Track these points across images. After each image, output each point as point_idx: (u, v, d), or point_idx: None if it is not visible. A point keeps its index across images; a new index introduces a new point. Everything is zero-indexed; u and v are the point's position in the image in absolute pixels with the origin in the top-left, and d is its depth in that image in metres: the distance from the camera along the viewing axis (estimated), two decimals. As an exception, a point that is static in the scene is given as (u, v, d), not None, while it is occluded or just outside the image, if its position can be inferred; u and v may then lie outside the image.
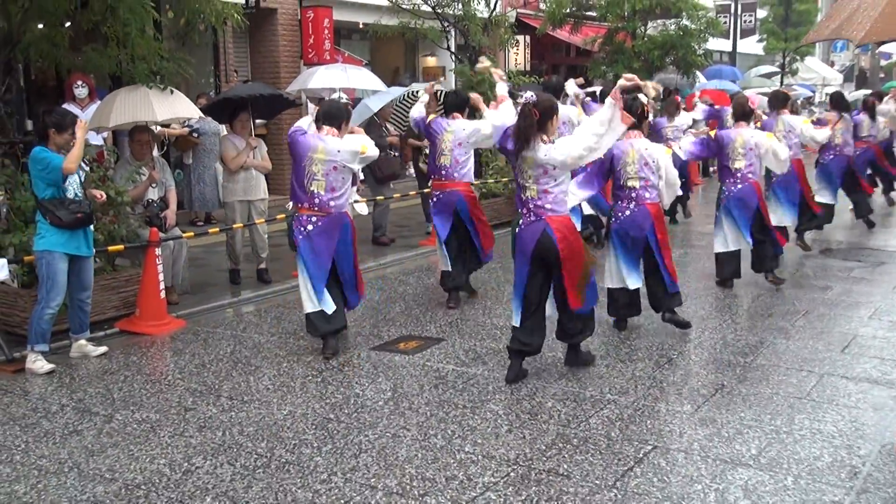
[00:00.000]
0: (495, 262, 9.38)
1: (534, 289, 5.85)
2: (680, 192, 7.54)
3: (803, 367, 6.07)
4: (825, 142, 9.97)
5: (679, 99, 13.20)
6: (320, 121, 6.41)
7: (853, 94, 23.99)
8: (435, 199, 7.87)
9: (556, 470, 4.48)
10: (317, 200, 6.32)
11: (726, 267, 8.28)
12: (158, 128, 10.26)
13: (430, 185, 8.16)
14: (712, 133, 8.31)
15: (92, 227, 6.48)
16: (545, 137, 5.66)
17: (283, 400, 5.57)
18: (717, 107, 12.85)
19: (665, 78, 18.58)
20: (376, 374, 6.07)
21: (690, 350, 6.52)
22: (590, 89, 9.91)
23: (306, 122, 6.50)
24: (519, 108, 5.84)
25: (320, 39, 14.51)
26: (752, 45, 29.52)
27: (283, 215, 9.68)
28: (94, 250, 6.63)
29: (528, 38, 19.20)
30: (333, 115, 6.43)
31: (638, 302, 7.04)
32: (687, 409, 5.32)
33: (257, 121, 9.89)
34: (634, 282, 6.90)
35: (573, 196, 6.34)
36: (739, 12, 25.61)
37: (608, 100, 5.67)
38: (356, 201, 9.98)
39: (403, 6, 13.89)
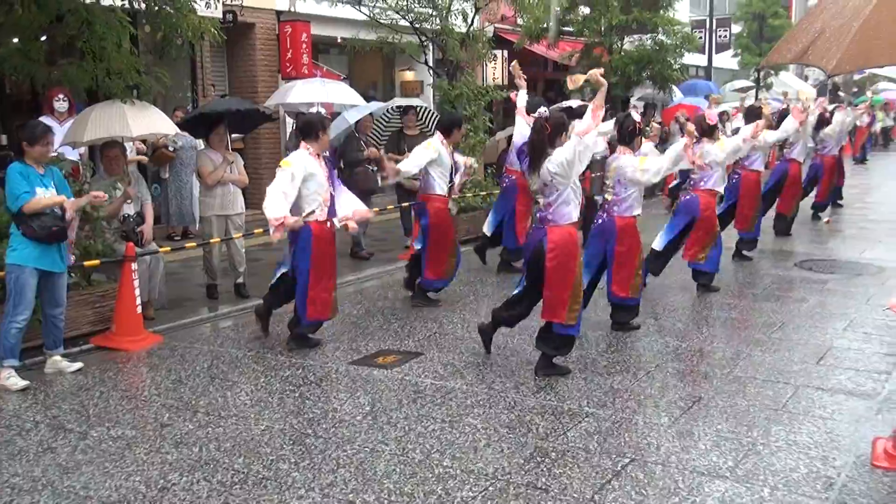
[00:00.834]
0: (473, 275, 9.41)
1: (526, 287, 6.35)
2: None
3: (779, 379, 6.11)
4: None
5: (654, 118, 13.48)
6: (298, 138, 6.82)
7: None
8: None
9: (534, 484, 4.48)
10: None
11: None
12: (133, 144, 10.22)
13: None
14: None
15: (66, 242, 6.42)
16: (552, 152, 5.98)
17: (261, 415, 5.53)
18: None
19: (643, 94, 18.79)
20: (354, 388, 6.05)
21: (668, 363, 6.55)
22: (565, 104, 9.95)
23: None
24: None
25: (298, 54, 14.51)
26: (727, 60, 29.80)
27: (261, 229, 9.67)
28: (69, 265, 6.58)
29: (505, 52, 19.27)
30: (306, 129, 6.95)
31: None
32: (664, 421, 5.34)
33: (234, 135, 9.87)
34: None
35: None
36: (714, 28, 25.85)
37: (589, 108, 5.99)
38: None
39: (381, 21, 13.92)
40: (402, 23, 13.91)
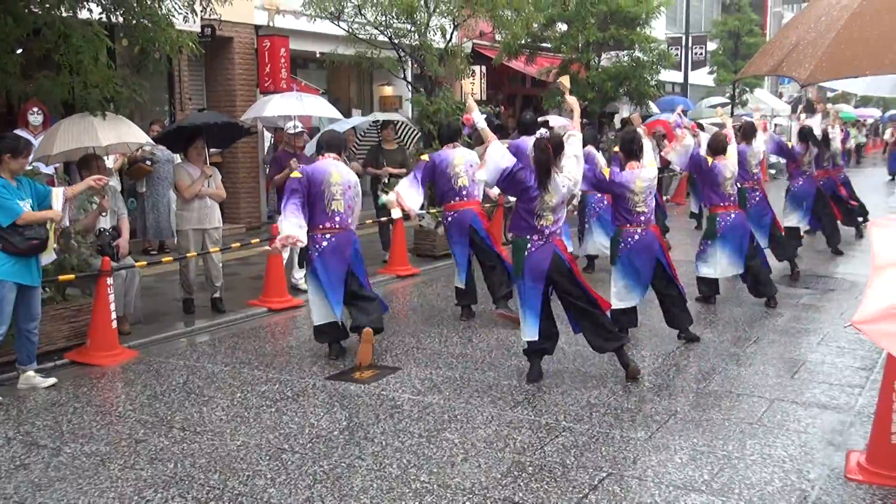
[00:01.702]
0: (450, 290, 9.40)
1: (546, 303, 6.39)
2: None
3: (754, 393, 6.15)
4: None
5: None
6: (322, 149, 7.16)
7: (804, 122, 24.52)
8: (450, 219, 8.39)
9: (511, 498, 4.47)
10: (337, 218, 6.93)
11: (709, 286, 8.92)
12: (116, 157, 10.17)
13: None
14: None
15: (41, 256, 6.37)
16: (556, 169, 6.21)
17: (237, 431, 5.50)
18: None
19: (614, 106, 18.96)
20: (331, 403, 6.03)
21: (644, 377, 6.57)
22: (541, 119, 10.00)
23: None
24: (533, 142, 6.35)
25: (277, 68, 14.51)
26: (703, 77, 30.13)
27: (238, 244, 9.65)
28: (44, 280, 6.53)
29: (484, 68, 19.39)
30: (334, 143, 7.21)
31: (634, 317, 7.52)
32: (641, 435, 5.36)
33: (212, 150, 9.84)
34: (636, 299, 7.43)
35: None
36: (690, 45, 26.14)
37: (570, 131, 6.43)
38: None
39: (360, 36, 13.95)
40: (381, 38, 13.95)
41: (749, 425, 5.51)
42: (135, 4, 8.15)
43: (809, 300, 9.20)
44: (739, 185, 9.22)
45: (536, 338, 6.33)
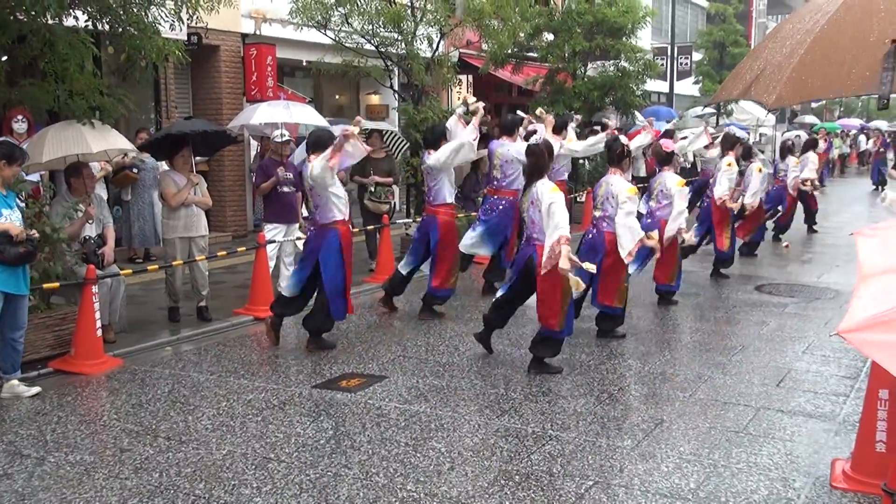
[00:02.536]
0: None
1: (513, 292, 7.03)
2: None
3: (740, 402, 6.17)
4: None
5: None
6: (310, 150, 7.45)
7: (786, 134, 24.74)
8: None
9: (498, 507, 4.47)
10: (317, 216, 7.46)
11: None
12: (101, 165, 10.12)
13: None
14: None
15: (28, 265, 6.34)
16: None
17: (223, 440, 5.47)
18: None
19: (601, 116, 19.06)
20: (318, 412, 6.01)
21: (631, 385, 6.59)
22: (530, 128, 10.07)
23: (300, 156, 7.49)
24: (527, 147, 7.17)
25: (263, 76, 14.49)
26: (688, 87, 30.29)
27: (224, 252, 9.62)
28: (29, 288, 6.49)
29: (470, 77, 19.43)
30: (320, 143, 7.41)
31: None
32: (627, 444, 5.37)
33: (198, 158, 9.82)
34: None
35: None
36: (676, 55, 26.29)
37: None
38: (299, 238, 9.94)
39: (347, 45, 13.95)
40: (368, 47, 13.95)
41: (735, 434, 5.53)
42: (121, 12, 8.12)
43: (794, 309, 9.25)
44: None
45: (497, 304, 7.16)
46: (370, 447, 5.31)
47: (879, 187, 24.78)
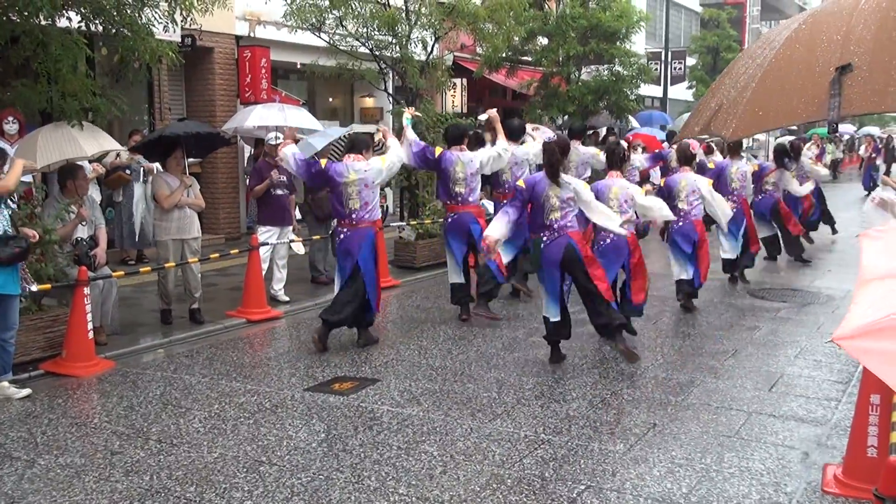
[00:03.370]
0: (430, 301, 9.40)
1: (562, 291, 7.11)
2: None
3: (732, 406, 6.17)
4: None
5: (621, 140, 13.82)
6: (348, 151, 7.81)
7: (780, 139, 24.80)
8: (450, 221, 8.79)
9: (490, 511, 4.46)
10: (354, 216, 7.58)
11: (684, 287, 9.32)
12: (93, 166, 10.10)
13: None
14: (661, 182, 9.35)
15: (21, 264, 6.32)
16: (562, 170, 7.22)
17: (214, 442, 5.45)
18: (660, 150, 13.53)
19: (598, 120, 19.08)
20: (310, 415, 6.00)
21: (623, 389, 6.59)
22: (531, 128, 10.17)
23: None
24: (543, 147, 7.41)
25: (257, 79, 14.48)
26: (681, 92, 30.39)
27: (217, 254, 9.60)
28: (26, 293, 6.47)
29: (465, 80, 19.44)
30: (356, 145, 7.83)
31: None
32: (620, 448, 5.36)
33: (191, 159, 9.79)
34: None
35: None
36: (670, 60, 26.35)
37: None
38: (292, 241, 9.94)
39: (341, 48, 13.95)
40: (362, 50, 13.96)
41: (727, 438, 5.53)
42: (114, 13, 8.11)
43: (787, 314, 9.26)
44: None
45: (558, 318, 7.06)
46: (362, 451, 5.30)
47: (871, 193, 24.85)
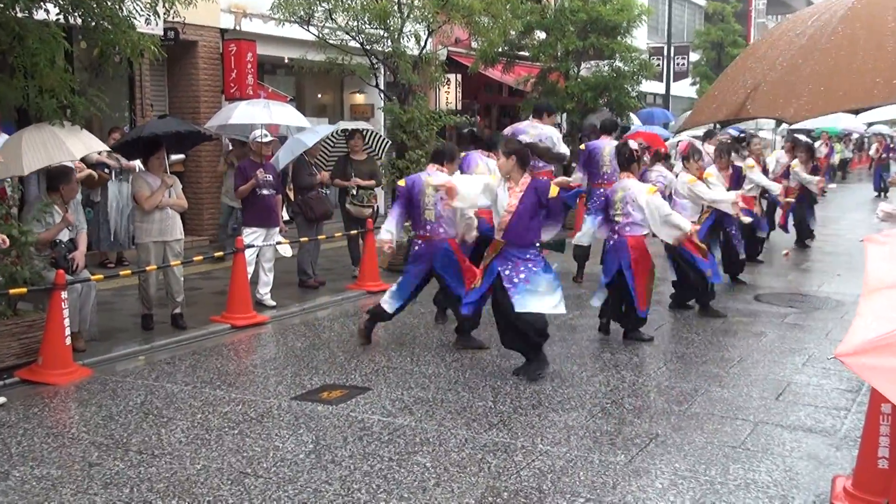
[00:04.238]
0: (423, 306, 9.40)
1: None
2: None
3: (738, 416, 6.19)
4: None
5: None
6: (432, 160, 7.99)
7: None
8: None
9: (485, 525, 4.46)
10: (428, 227, 7.73)
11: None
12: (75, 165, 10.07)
13: None
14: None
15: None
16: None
17: (197, 453, 5.44)
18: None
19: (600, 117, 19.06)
20: (297, 425, 5.99)
21: (624, 398, 6.59)
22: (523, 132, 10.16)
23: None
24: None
25: (243, 74, 14.46)
26: (685, 89, 30.44)
27: (201, 257, 9.58)
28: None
29: (459, 76, 19.45)
30: (437, 154, 7.99)
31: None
32: (621, 459, 5.37)
33: (174, 157, 9.79)
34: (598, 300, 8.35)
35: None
36: (672, 55, 26.40)
37: None
38: (279, 243, 9.92)
39: (330, 41, 13.93)
40: (353, 44, 13.95)
41: (732, 449, 5.54)
42: (94, 5, 8.08)
43: (794, 319, 9.28)
44: None
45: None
46: (352, 462, 5.29)
47: (881, 194, 24.94)
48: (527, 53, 18.89)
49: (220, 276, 10.98)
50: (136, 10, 8.50)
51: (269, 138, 10.24)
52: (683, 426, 5.97)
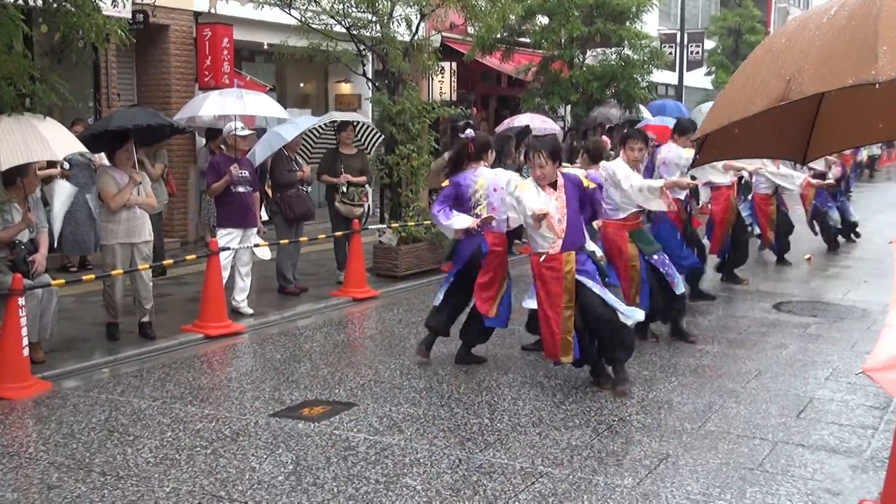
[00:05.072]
0: (414, 315, 9.42)
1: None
2: None
3: (755, 434, 6.20)
4: None
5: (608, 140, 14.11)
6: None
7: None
8: None
9: (480, 554, 4.46)
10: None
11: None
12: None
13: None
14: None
15: None
16: None
17: (166, 475, 5.44)
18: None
19: (606, 112, 19.05)
20: (276, 444, 5.99)
21: (632, 415, 6.60)
22: (518, 123, 10.14)
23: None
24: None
25: (218, 61, 14.47)
26: (699, 79, 30.49)
27: (171, 260, 9.57)
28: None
29: (454, 64, 19.46)
30: (478, 147, 7.89)
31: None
32: (628, 482, 5.37)
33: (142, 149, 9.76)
34: None
35: None
36: (686, 43, 26.45)
37: None
38: (257, 245, 9.91)
39: (314, 26, 13.94)
40: (338, 29, 13.95)
41: (749, 471, 5.55)
42: (56, -15, 8.09)
43: (817, 330, 9.31)
44: None
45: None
46: (335, 484, 5.29)
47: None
48: (528, 40, 18.93)
49: (191, 281, 10.98)
50: (102, -9, 8.49)
51: (247, 132, 10.23)
52: (696, 446, 5.98)
